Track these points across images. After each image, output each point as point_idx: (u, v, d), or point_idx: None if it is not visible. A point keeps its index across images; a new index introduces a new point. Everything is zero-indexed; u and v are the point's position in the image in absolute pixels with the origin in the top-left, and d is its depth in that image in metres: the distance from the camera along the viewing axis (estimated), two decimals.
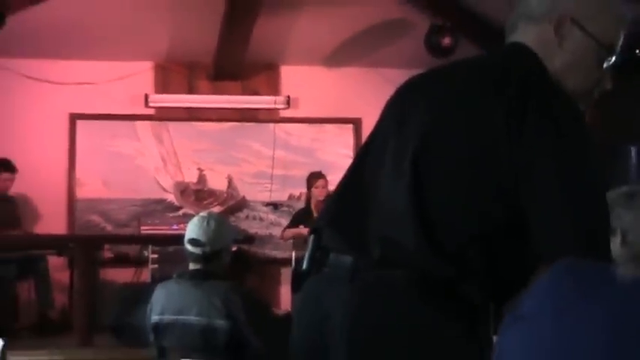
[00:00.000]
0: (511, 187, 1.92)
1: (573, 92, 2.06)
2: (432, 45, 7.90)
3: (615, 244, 2.87)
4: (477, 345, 1.97)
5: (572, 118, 1.96)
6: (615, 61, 2.11)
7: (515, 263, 1.98)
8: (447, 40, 7.85)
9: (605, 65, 2.11)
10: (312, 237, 2.19)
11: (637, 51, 7.06)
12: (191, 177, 9.28)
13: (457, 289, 1.96)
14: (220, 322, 3.97)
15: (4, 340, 4.38)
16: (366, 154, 2.23)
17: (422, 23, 7.92)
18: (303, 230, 7.89)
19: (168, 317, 4.15)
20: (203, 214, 4.39)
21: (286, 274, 8.34)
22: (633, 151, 7.78)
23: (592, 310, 1.37)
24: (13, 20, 6.96)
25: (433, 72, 2.27)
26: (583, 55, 2.10)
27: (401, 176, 2.02)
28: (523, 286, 1.91)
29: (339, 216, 2.19)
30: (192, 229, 4.21)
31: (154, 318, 4.21)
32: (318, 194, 8.05)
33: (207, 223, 4.18)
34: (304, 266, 2.17)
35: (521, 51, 2.10)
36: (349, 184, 2.24)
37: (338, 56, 8.97)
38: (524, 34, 2.13)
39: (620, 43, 2.12)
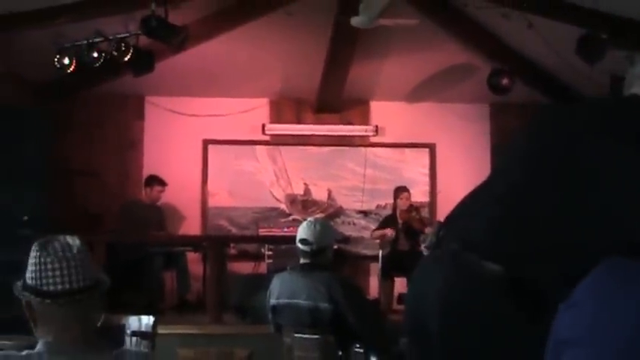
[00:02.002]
0: None
1: None
2: (493, 85, 7.78)
3: None
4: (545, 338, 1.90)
5: None
6: None
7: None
8: (505, 81, 7.73)
9: None
10: (437, 224, 2.15)
11: None
12: (298, 190, 9.25)
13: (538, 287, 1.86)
14: (324, 305, 3.98)
15: (154, 316, 4.49)
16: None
17: (484, 67, 7.83)
18: (387, 231, 7.89)
19: (283, 301, 4.18)
20: (311, 219, 4.42)
21: (374, 267, 8.29)
22: None
23: (627, 301, 1.37)
24: (159, 66, 7.09)
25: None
26: None
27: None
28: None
29: (454, 216, 2.09)
30: (302, 231, 4.24)
31: (272, 301, 4.26)
32: (402, 204, 8.02)
33: (315, 226, 4.21)
34: (426, 243, 2.15)
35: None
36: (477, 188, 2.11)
37: (416, 93, 8.92)
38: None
39: None
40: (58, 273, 1.88)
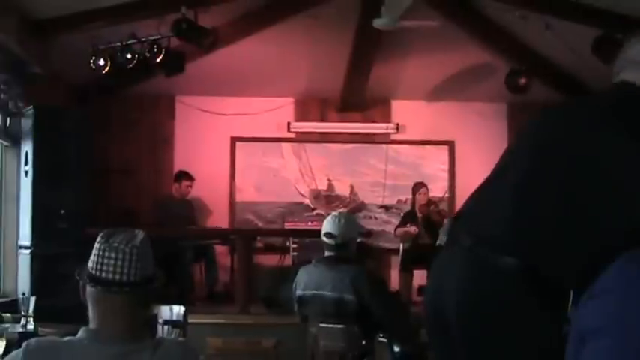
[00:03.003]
0: None
1: None
2: (511, 84, 7.74)
3: None
4: (558, 324, 1.90)
5: None
6: None
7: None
8: (523, 80, 7.68)
9: None
10: (448, 221, 2.16)
11: None
12: (322, 185, 9.25)
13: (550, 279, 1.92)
14: (349, 296, 3.98)
15: (185, 307, 4.53)
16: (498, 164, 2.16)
17: (503, 66, 7.79)
18: (410, 229, 7.87)
19: (309, 292, 4.18)
20: (335, 213, 4.40)
21: (395, 260, 8.29)
22: None
23: None
24: (189, 67, 7.12)
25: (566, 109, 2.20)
26: None
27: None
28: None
29: (465, 212, 2.15)
30: (327, 225, 4.24)
31: (298, 292, 4.26)
32: (421, 199, 8.01)
33: (339, 220, 4.21)
34: (440, 241, 2.17)
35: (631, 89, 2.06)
36: (484, 185, 2.16)
37: (436, 92, 8.90)
38: (630, 76, 2.09)
39: None
40: (113, 263, 1.91)
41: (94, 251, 1.95)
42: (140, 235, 1.97)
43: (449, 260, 2.07)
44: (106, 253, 1.92)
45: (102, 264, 1.91)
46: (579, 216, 1.89)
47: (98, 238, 1.96)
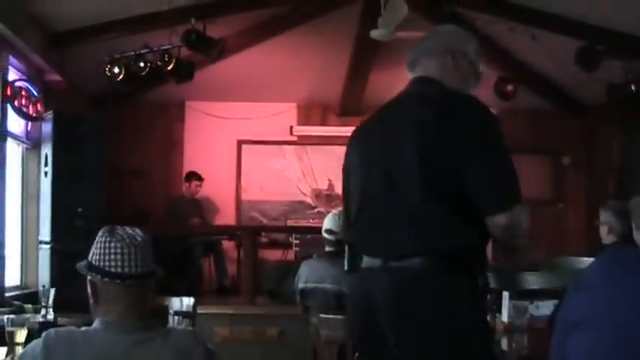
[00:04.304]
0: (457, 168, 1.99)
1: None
2: (499, 91, 7.72)
3: (638, 236, 2.78)
4: (472, 295, 2.01)
5: (487, 117, 2.13)
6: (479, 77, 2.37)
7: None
8: (510, 88, 7.67)
9: (477, 86, 2.37)
10: (346, 248, 2.28)
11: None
12: (323, 185, 9.24)
13: (462, 257, 2.00)
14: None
15: (194, 298, 4.52)
16: (350, 181, 2.30)
17: (491, 75, 7.76)
18: None
19: (311, 285, 4.20)
20: (335, 211, 4.41)
21: None
22: None
23: (631, 282, 1.37)
24: (198, 74, 7.10)
25: (381, 114, 2.34)
26: (468, 75, 2.33)
27: (406, 181, 2.06)
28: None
29: (362, 231, 2.22)
30: (328, 222, 4.25)
31: (300, 285, 4.27)
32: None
33: (339, 218, 4.20)
34: (346, 268, 2.26)
35: (429, 80, 2.27)
36: (360, 207, 2.24)
37: None
38: (426, 67, 2.31)
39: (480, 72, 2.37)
40: (124, 257, 1.91)
41: (99, 247, 1.93)
42: (138, 231, 1.98)
43: (364, 281, 2.16)
44: (112, 249, 1.91)
45: (112, 258, 1.91)
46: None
47: (100, 235, 1.95)
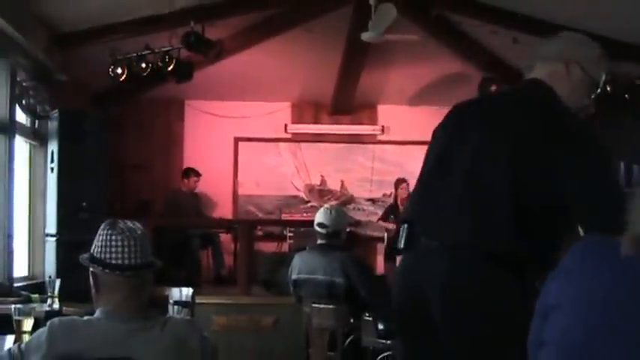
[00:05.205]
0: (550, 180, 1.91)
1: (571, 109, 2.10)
2: (483, 91, 7.72)
3: None
4: (524, 298, 1.91)
5: (585, 129, 2.01)
6: (598, 94, 2.19)
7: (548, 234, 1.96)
8: (493, 88, 7.67)
9: (592, 95, 2.19)
10: (405, 226, 2.14)
11: (626, 95, 6.80)
12: (316, 181, 9.25)
13: (517, 262, 1.95)
14: (339, 280, 3.99)
15: (193, 289, 4.53)
16: (433, 165, 2.18)
17: (476, 75, 7.78)
18: (389, 225, 7.86)
19: (303, 276, 4.19)
20: (327, 206, 4.42)
21: (380, 247, 8.30)
22: (622, 165, 7.48)
23: (603, 269, 1.40)
24: (197, 74, 7.09)
25: (483, 104, 2.28)
26: (580, 86, 2.15)
27: (494, 180, 1.97)
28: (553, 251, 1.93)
29: (425, 211, 2.14)
30: (320, 216, 4.24)
31: (294, 276, 4.27)
32: (402, 194, 8.03)
33: (330, 212, 4.22)
34: (401, 245, 2.13)
35: (540, 85, 2.13)
36: (430, 184, 2.17)
37: (417, 98, 8.89)
38: (539, 70, 2.17)
39: (602, 82, 2.19)
40: (124, 249, 1.92)
41: (100, 240, 1.94)
42: (137, 224, 1.98)
43: (419, 260, 2.08)
44: (116, 241, 1.92)
45: (113, 251, 1.92)
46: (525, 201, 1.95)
47: (102, 229, 1.96)
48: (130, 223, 1.97)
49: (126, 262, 1.91)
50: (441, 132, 2.23)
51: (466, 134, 2.10)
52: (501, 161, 1.97)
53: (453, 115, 2.24)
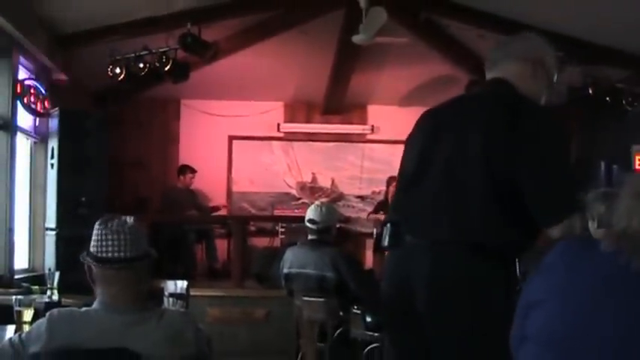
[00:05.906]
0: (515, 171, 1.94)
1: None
2: (470, 92, 7.77)
3: (593, 227, 2.83)
4: (507, 287, 1.97)
5: (543, 119, 2.03)
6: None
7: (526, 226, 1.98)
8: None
9: (549, 90, 2.24)
10: (388, 225, 2.17)
11: (607, 98, 6.84)
12: (307, 178, 9.24)
13: (497, 251, 1.97)
14: (329, 274, 4.01)
15: (188, 281, 4.53)
16: (413, 169, 2.20)
17: (463, 77, 7.81)
18: (380, 216, 7.89)
19: (294, 270, 4.20)
20: (317, 202, 4.43)
21: (369, 242, 8.31)
22: (602, 165, 7.53)
23: (585, 266, 1.41)
24: (193, 75, 7.07)
25: (453, 105, 2.28)
26: (541, 85, 2.21)
27: (467, 175, 2.00)
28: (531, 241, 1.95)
29: (409, 210, 2.15)
30: (310, 213, 4.26)
31: (285, 270, 4.28)
32: (392, 191, 8.02)
33: (321, 209, 4.23)
34: (386, 243, 2.16)
35: (504, 83, 2.17)
36: (409, 187, 2.19)
37: (406, 98, 8.88)
38: (505, 67, 2.20)
39: (555, 80, 2.25)
40: (114, 243, 1.94)
41: (95, 236, 1.97)
42: (131, 219, 2.00)
43: (405, 257, 2.10)
44: (107, 236, 1.95)
45: (103, 245, 1.94)
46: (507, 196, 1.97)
47: (97, 225, 1.98)
48: (123, 219, 1.99)
49: (115, 254, 1.93)
50: (417, 137, 2.25)
51: (441, 135, 2.13)
52: (475, 151, 1.99)
53: (426, 120, 2.28)
